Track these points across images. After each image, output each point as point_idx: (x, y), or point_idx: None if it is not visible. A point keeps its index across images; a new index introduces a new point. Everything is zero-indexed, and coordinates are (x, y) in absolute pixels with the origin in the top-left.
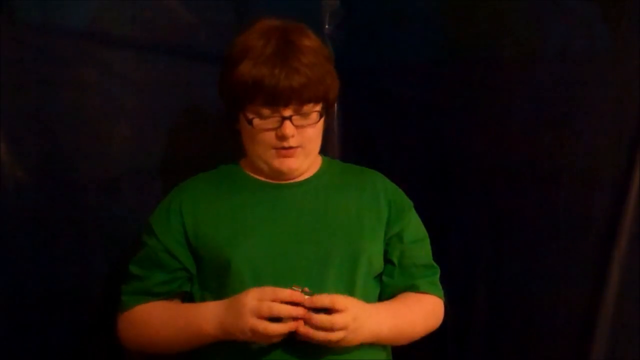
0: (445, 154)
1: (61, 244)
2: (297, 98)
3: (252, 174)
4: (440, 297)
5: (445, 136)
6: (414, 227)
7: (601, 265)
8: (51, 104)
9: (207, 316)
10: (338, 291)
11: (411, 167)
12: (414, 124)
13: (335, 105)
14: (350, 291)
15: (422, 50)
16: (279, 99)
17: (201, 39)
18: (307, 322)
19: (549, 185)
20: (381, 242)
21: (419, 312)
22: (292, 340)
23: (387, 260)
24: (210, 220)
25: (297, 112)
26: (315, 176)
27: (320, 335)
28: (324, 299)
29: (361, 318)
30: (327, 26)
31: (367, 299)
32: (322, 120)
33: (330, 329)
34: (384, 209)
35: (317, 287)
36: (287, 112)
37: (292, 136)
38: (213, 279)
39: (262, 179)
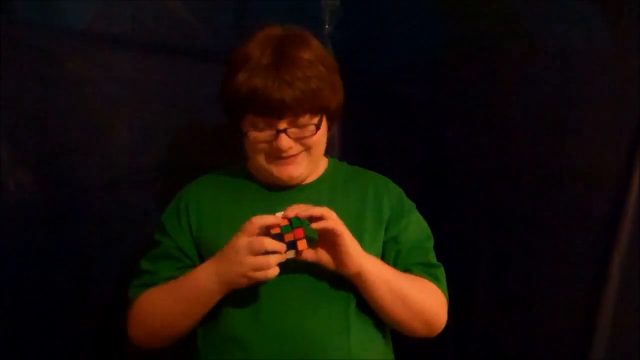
0: (445, 154)
1: (61, 244)
2: (291, 111)
3: (257, 176)
4: (441, 290)
5: (445, 136)
6: (414, 229)
7: (601, 265)
8: (51, 103)
9: (205, 274)
10: (336, 297)
11: (411, 167)
12: (414, 124)
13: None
14: (347, 295)
15: (422, 50)
16: (271, 111)
17: (201, 39)
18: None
19: (549, 185)
20: (380, 247)
21: (414, 287)
22: (288, 331)
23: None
24: (212, 222)
25: (293, 124)
26: (319, 180)
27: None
28: (314, 210)
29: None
30: (327, 26)
31: (365, 303)
32: (323, 125)
33: (320, 216)
34: (385, 212)
35: (315, 291)
36: (282, 125)
37: (290, 148)
38: None
39: (267, 181)
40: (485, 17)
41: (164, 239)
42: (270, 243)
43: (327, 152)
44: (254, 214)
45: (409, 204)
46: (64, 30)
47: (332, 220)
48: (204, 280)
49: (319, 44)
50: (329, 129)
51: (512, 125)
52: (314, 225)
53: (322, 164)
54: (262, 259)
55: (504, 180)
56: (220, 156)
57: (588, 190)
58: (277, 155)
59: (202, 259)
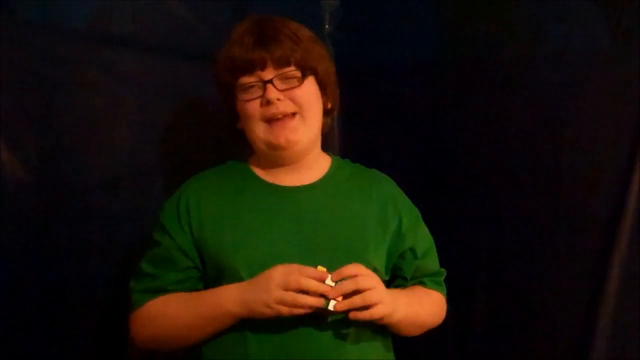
0: (445, 154)
1: (61, 244)
2: (271, 59)
3: (259, 174)
4: (444, 295)
5: (445, 136)
6: (423, 237)
7: (601, 265)
8: (51, 103)
9: (228, 295)
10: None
11: (411, 167)
12: (414, 124)
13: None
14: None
15: (422, 50)
16: (255, 62)
17: (201, 39)
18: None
19: (549, 185)
20: (385, 252)
21: (428, 307)
22: (289, 334)
23: (401, 276)
24: (214, 222)
25: (278, 75)
26: (322, 181)
27: (357, 300)
28: (349, 285)
29: (385, 294)
30: (327, 26)
31: None
32: (312, 84)
33: (366, 305)
34: (391, 218)
35: None
36: (267, 75)
37: (278, 99)
38: (214, 280)
39: (270, 180)
40: (485, 17)
41: (163, 239)
42: (307, 282)
43: (328, 151)
44: (255, 214)
45: (417, 211)
46: (64, 30)
47: (377, 311)
48: (227, 301)
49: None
50: (325, 106)
51: (512, 125)
52: (360, 316)
53: (325, 162)
54: (289, 295)
55: (504, 180)
56: (220, 156)
57: (588, 190)
58: (270, 115)
59: (202, 259)
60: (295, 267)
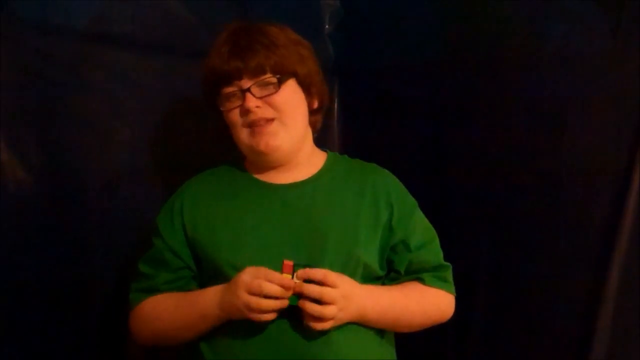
0: (445, 154)
1: (61, 244)
2: (246, 68)
3: (253, 174)
4: (448, 292)
5: (445, 136)
6: (420, 229)
7: (601, 265)
8: (51, 104)
9: (210, 298)
10: None
11: (411, 167)
12: (414, 123)
13: (336, 104)
14: None
15: (422, 50)
16: (231, 73)
17: (201, 39)
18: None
19: (549, 185)
20: (377, 247)
21: (418, 301)
22: (285, 332)
23: (394, 270)
24: (208, 224)
25: (256, 83)
26: (316, 177)
27: (315, 308)
28: (316, 273)
29: (350, 296)
30: (327, 26)
31: None
32: (291, 88)
33: (319, 299)
34: (382, 212)
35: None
36: (245, 84)
37: (257, 107)
38: (210, 280)
39: (263, 179)
40: (485, 17)
41: (157, 241)
42: (268, 287)
43: (327, 150)
44: (249, 213)
45: (412, 201)
46: (64, 30)
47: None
48: (207, 303)
49: (284, 27)
50: (312, 106)
51: (512, 124)
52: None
53: (320, 158)
54: (254, 300)
55: (504, 179)
56: (220, 156)
57: (588, 190)
58: (251, 122)
59: (196, 259)
60: (262, 272)
